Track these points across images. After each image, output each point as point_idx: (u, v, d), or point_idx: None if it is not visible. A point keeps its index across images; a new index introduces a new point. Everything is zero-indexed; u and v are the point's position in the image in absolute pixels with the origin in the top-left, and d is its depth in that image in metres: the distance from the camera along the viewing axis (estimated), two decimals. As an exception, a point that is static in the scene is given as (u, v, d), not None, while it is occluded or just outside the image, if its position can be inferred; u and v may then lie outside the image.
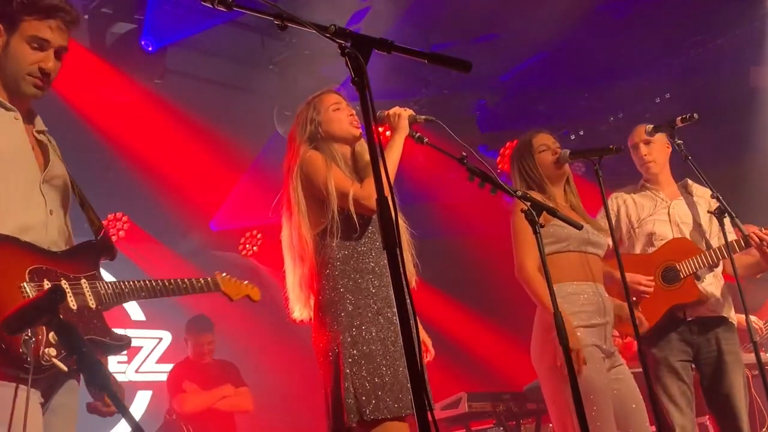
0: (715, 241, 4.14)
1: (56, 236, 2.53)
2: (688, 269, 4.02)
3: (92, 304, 2.52)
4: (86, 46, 5.63)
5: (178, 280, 2.89)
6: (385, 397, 2.93)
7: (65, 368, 2.29)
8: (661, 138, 4.24)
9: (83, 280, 2.53)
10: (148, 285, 2.76)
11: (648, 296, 3.84)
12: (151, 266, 6.84)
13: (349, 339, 3.00)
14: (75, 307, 2.45)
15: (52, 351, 2.31)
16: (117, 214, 6.98)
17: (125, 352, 6.78)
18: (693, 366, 4.10)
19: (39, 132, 2.63)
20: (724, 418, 4.00)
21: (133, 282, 2.71)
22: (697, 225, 4.21)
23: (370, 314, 3.03)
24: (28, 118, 2.62)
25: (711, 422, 4.97)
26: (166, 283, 2.83)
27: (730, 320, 4.12)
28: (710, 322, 4.07)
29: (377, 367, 2.96)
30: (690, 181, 4.35)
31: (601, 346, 3.54)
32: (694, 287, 4.04)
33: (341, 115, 3.24)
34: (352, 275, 3.08)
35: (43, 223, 2.48)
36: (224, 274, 3.21)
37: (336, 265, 3.09)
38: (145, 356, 7.18)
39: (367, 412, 2.91)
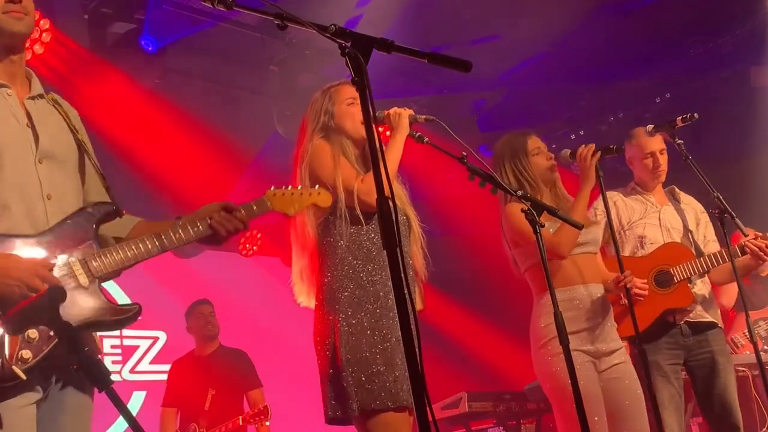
0: (703, 248, 4.19)
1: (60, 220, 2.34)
2: (682, 274, 4.03)
3: (84, 281, 2.29)
4: (86, 46, 5.63)
5: (197, 220, 2.51)
6: (385, 385, 2.91)
7: (24, 376, 2.13)
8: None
9: (72, 258, 2.29)
10: (156, 241, 2.44)
11: (642, 299, 3.84)
12: (150, 266, 6.82)
13: (347, 327, 2.98)
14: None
15: (26, 353, 2.15)
16: (116, 213, 6.93)
17: (120, 349, 6.82)
18: (683, 369, 4.11)
19: (31, 98, 2.42)
20: (720, 417, 4.00)
21: (137, 240, 2.40)
22: (686, 231, 4.24)
23: (369, 303, 3.02)
24: (24, 87, 2.45)
25: (703, 426, 4.96)
26: (180, 230, 2.48)
27: (718, 324, 4.15)
28: (701, 326, 4.09)
29: (376, 356, 2.94)
30: (677, 189, 4.40)
31: (585, 349, 3.59)
32: (689, 292, 4.05)
33: (354, 111, 3.20)
34: (354, 263, 3.06)
35: (41, 210, 2.32)
36: (272, 189, 2.66)
37: (338, 253, 3.08)
38: (140, 356, 7.13)
39: (368, 401, 2.89)
